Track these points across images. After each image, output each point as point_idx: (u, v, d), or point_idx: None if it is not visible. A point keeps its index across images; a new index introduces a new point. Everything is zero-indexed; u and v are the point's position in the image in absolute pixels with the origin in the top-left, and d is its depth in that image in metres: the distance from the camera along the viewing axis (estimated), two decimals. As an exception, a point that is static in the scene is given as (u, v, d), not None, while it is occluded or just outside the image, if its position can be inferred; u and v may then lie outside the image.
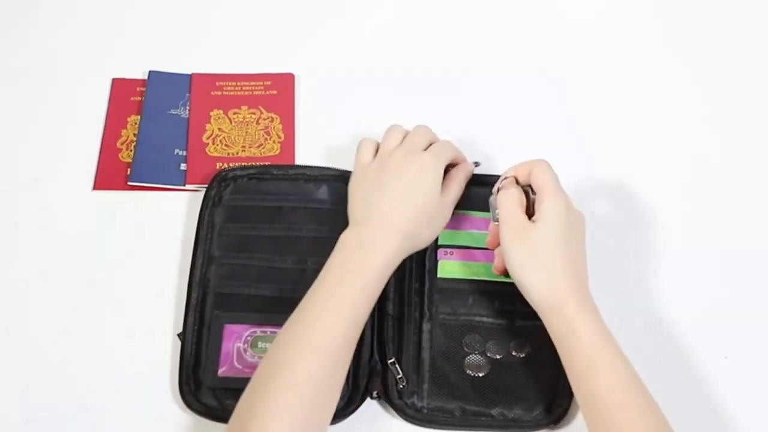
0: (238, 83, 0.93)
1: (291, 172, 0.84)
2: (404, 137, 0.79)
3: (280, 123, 0.91)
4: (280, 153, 0.89)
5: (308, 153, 0.89)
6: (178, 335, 0.76)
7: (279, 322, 0.69)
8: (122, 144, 0.89)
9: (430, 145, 0.78)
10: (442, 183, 0.77)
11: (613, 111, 0.93)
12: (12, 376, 0.75)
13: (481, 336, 0.76)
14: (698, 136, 0.92)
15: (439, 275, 0.79)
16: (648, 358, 0.76)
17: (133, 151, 0.88)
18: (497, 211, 0.73)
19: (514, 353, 0.75)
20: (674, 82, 0.96)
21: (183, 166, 0.87)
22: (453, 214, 0.81)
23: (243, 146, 0.89)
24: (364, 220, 0.73)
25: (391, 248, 0.71)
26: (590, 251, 0.76)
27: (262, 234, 0.81)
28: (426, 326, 0.77)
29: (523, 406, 0.73)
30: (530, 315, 0.71)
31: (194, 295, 0.77)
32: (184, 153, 0.88)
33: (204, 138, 0.89)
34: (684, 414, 0.74)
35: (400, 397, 0.73)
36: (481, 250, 0.79)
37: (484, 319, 0.77)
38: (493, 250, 0.76)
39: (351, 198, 0.76)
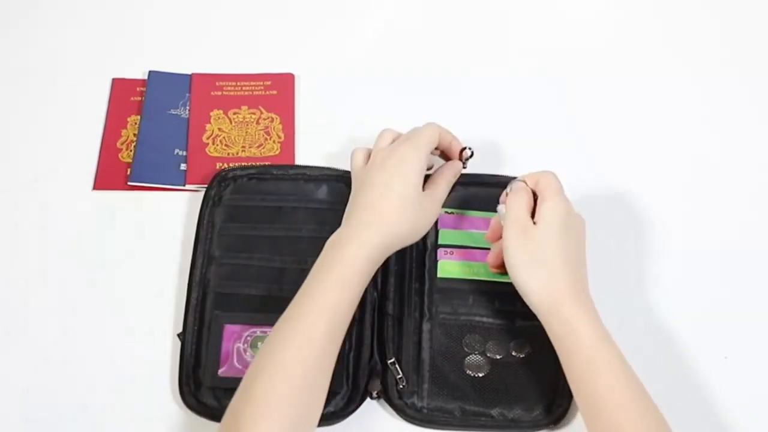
0: (238, 83, 0.93)
1: (291, 172, 0.84)
2: (395, 139, 0.79)
3: (280, 123, 0.91)
4: (280, 153, 0.89)
5: (308, 153, 0.89)
6: (178, 335, 0.76)
7: (279, 323, 0.69)
8: (122, 144, 0.89)
9: None
10: (431, 179, 0.77)
11: (613, 111, 0.93)
12: (12, 376, 0.75)
13: (481, 336, 0.76)
14: (698, 136, 0.92)
15: (439, 275, 0.79)
16: (648, 358, 0.77)
17: (133, 151, 0.88)
18: (503, 210, 0.73)
19: (514, 353, 0.75)
20: (674, 82, 0.96)
21: (183, 166, 0.87)
22: (453, 214, 0.81)
23: (243, 146, 0.89)
24: (346, 219, 0.73)
25: (369, 243, 0.70)
26: (590, 251, 0.76)
27: (262, 234, 0.81)
28: (426, 326, 0.77)
29: (523, 406, 0.73)
30: (530, 315, 0.71)
31: (194, 295, 0.77)
32: (184, 153, 0.88)
33: (204, 138, 0.89)
34: (684, 414, 0.74)
35: (400, 397, 0.73)
36: (481, 250, 0.79)
37: (484, 319, 0.77)
38: (491, 242, 0.77)
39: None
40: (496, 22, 1.01)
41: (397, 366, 0.74)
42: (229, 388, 0.72)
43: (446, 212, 0.81)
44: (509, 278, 0.71)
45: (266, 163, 0.87)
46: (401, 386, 0.73)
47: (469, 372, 0.74)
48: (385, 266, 0.77)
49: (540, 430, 0.73)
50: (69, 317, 0.78)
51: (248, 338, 0.75)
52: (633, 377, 0.66)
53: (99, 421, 0.73)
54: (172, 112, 0.91)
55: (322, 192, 0.83)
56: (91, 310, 0.79)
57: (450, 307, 0.77)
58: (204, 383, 0.73)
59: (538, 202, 0.72)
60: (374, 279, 0.77)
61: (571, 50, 0.98)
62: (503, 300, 0.76)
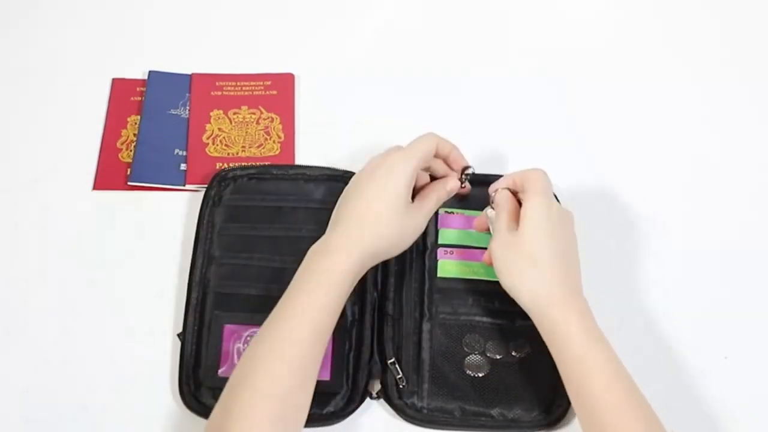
0: (238, 83, 0.93)
1: (291, 172, 0.84)
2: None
3: (280, 123, 0.91)
4: (280, 153, 0.89)
5: (308, 153, 0.89)
6: (178, 335, 0.76)
7: (279, 323, 0.69)
8: (122, 144, 0.89)
9: None
10: (422, 192, 0.76)
11: (613, 111, 0.93)
12: (12, 376, 0.75)
13: (481, 336, 0.76)
14: (698, 136, 0.92)
15: (439, 275, 0.79)
16: (648, 358, 0.77)
17: (133, 151, 0.88)
18: (492, 215, 0.75)
19: (513, 353, 0.75)
20: (674, 82, 0.96)
21: (183, 166, 0.87)
22: (453, 213, 0.81)
23: (243, 146, 0.89)
24: (332, 228, 0.73)
25: (353, 255, 0.69)
26: (590, 251, 0.76)
27: (262, 234, 0.81)
28: (426, 326, 0.77)
29: (523, 406, 0.73)
30: (530, 315, 0.71)
31: (194, 295, 0.77)
32: (184, 153, 0.88)
33: (204, 138, 0.89)
34: (684, 414, 0.74)
35: (400, 397, 0.73)
36: (480, 250, 0.78)
37: (484, 319, 0.77)
38: (480, 231, 0.78)
39: None
40: (496, 22, 1.01)
41: (397, 366, 0.74)
42: (229, 388, 0.72)
43: (446, 212, 0.82)
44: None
45: (266, 163, 0.87)
46: (401, 386, 0.73)
47: (469, 372, 0.74)
48: (385, 266, 0.77)
49: (540, 430, 0.73)
50: (69, 317, 0.78)
51: (248, 338, 0.75)
52: (625, 377, 0.66)
53: (99, 421, 0.73)
54: (172, 112, 0.91)
55: (322, 192, 0.83)
56: (91, 310, 0.79)
57: (450, 307, 0.77)
58: (204, 383, 0.73)
59: (523, 201, 0.72)
60: (374, 279, 0.77)
61: (571, 50, 0.98)
62: (503, 300, 0.76)
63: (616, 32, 1.01)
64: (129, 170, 0.86)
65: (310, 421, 0.68)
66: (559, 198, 0.80)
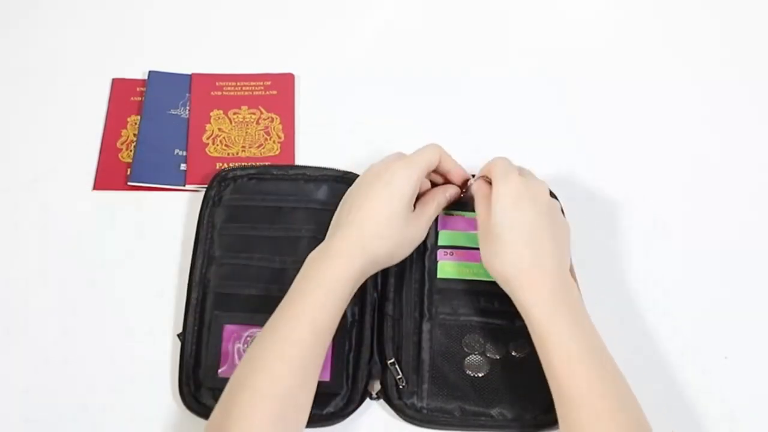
0: (238, 83, 0.93)
1: (291, 172, 0.84)
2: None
3: (280, 123, 0.91)
4: (280, 153, 0.89)
5: (308, 153, 0.89)
6: (178, 335, 0.76)
7: (279, 323, 0.69)
8: (122, 144, 0.89)
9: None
10: (423, 199, 0.76)
11: (613, 111, 0.93)
12: (12, 376, 0.75)
13: (481, 336, 0.76)
14: (698, 136, 0.92)
15: (438, 276, 0.79)
16: (648, 358, 0.77)
17: (133, 151, 0.88)
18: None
19: (513, 353, 0.75)
20: (674, 82, 0.96)
21: (183, 166, 0.87)
22: (452, 215, 0.81)
23: (243, 146, 0.89)
24: (332, 234, 0.73)
25: (350, 261, 0.69)
26: (590, 251, 0.76)
27: (262, 234, 0.81)
28: (426, 326, 0.77)
29: (523, 406, 0.73)
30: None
31: (194, 295, 0.77)
32: (184, 153, 0.88)
33: (204, 138, 0.89)
34: (684, 414, 0.74)
35: (400, 398, 0.73)
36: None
37: (484, 319, 0.77)
38: None
39: None
40: (496, 22, 1.01)
41: (396, 366, 0.74)
42: (228, 388, 0.72)
43: (446, 214, 0.81)
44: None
45: (266, 163, 0.87)
46: (401, 386, 0.73)
47: (468, 372, 0.74)
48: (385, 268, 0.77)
49: (539, 430, 0.73)
50: (69, 317, 0.78)
51: (248, 338, 0.75)
52: (593, 345, 0.66)
53: (99, 421, 0.73)
54: (172, 112, 0.91)
55: (322, 192, 0.83)
56: (91, 310, 0.79)
57: (450, 307, 0.77)
58: (204, 383, 0.73)
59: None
60: (374, 280, 0.77)
61: (571, 50, 0.98)
62: (503, 300, 0.76)
63: (616, 32, 1.01)
64: (129, 170, 0.86)
65: (310, 422, 0.68)
66: (558, 198, 0.80)
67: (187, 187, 0.86)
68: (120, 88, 0.93)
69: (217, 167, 0.87)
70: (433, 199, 0.77)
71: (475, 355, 0.75)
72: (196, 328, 0.76)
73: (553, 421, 0.72)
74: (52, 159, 0.88)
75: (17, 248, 0.82)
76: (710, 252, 0.84)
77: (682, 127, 0.92)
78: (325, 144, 0.89)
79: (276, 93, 0.93)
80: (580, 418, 0.63)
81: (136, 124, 0.90)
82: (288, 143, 0.89)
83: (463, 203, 0.81)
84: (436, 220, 0.81)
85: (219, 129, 0.90)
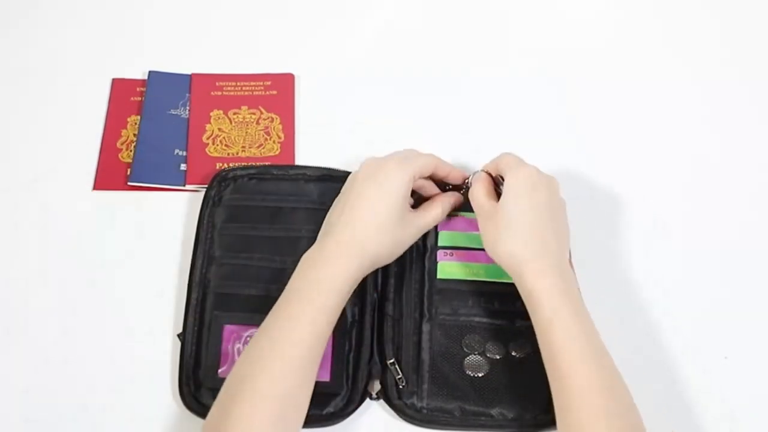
0: (238, 83, 0.93)
1: (291, 172, 0.84)
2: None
3: (280, 123, 0.91)
4: (280, 153, 0.89)
5: (308, 153, 0.89)
6: (178, 335, 0.76)
7: (279, 323, 0.69)
8: (122, 144, 0.89)
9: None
10: (429, 201, 0.77)
11: (613, 111, 0.93)
12: (12, 376, 0.75)
13: (481, 336, 0.76)
14: (698, 136, 0.92)
15: (438, 276, 0.79)
16: (648, 358, 0.77)
17: (133, 151, 0.88)
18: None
19: (513, 353, 0.75)
20: (674, 82, 0.96)
21: (183, 166, 0.87)
22: (452, 216, 0.81)
23: (243, 146, 0.89)
24: (327, 234, 0.73)
25: (348, 261, 0.70)
26: (590, 251, 0.76)
27: (262, 234, 0.81)
28: (426, 327, 0.77)
29: (523, 406, 0.73)
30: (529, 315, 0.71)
31: (194, 295, 0.77)
32: (184, 153, 0.88)
33: (204, 138, 0.89)
34: (684, 414, 0.74)
35: (400, 398, 0.73)
36: (480, 251, 0.78)
37: (484, 319, 0.77)
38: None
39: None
40: (496, 22, 1.01)
41: (396, 366, 0.74)
42: (228, 388, 0.72)
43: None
44: (509, 278, 0.71)
45: (266, 163, 0.87)
46: (401, 386, 0.73)
47: (468, 372, 0.74)
48: (385, 268, 0.77)
49: (540, 430, 0.73)
50: (69, 317, 0.78)
51: (248, 339, 0.75)
52: (594, 341, 0.66)
53: (99, 421, 0.73)
54: (172, 112, 0.91)
55: (323, 192, 0.83)
56: (91, 310, 0.79)
57: (450, 307, 0.77)
58: (204, 384, 0.73)
59: (505, 180, 0.73)
60: (374, 280, 0.77)
61: (571, 50, 0.98)
62: (503, 300, 0.76)
63: (616, 32, 1.01)
64: (129, 170, 0.86)
65: (310, 422, 0.68)
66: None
67: (187, 187, 0.86)
68: (120, 88, 0.93)
69: (217, 167, 0.87)
70: (440, 202, 0.78)
71: (475, 355, 0.75)
72: (196, 328, 0.76)
73: (553, 421, 0.72)
74: (52, 159, 0.88)
75: (17, 248, 0.82)
76: (710, 252, 0.84)
77: (682, 127, 0.92)
78: (325, 144, 0.89)
79: (276, 93, 0.93)
80: (579, 409, 0.64)
81: (136, 124, 0.90)
82: (288, 143, 0.89)
83: (464, 204, 0.81)
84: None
85: (219, 129, 0.90)
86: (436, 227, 0.80)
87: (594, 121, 0.93)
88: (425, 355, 0.75)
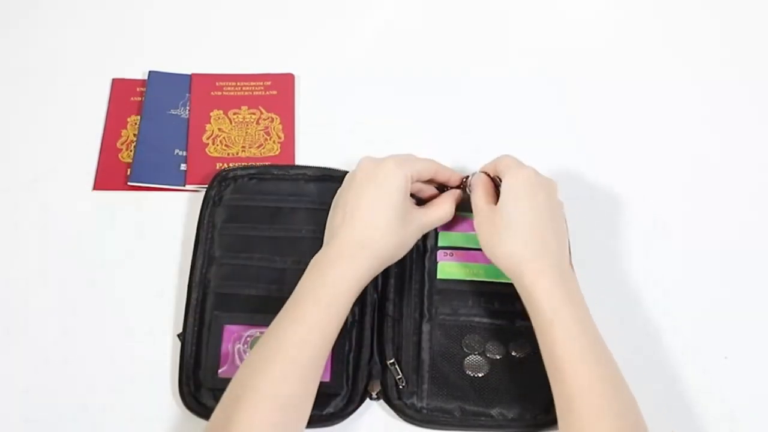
0: (238, 83, 0.93)
1: (291, 172, 0.84)
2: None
3: (280, 123, 0.91)
4: (280, 153, 0.89)
5: (308, 153, 0.89)
6: (178, 336, 0.76)
7: (279, 323, 0.69)
8: (122, 144, 0.89)
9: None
10: (436, 199, 0.78)
11: (613, 111, 0.93)
12: (12, 376, 0.75)
13: (481, 336, 0.76)
14: (698, 136, 0.92)
15: (438, 276, 0.79)
16: (648, 358, 0.77)
17: (133, 151, 0.88)
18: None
19: (513, 354, 0.75)
20: (674, 82, 0.96)
21: (183, 167, 0.87)
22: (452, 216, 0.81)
23: (243, 146, 0.89)
24: (332, 237, 0.73)
25: (354, 262, 0.70)
26: (590, 251, 0.76)
27: (262, 234, 0.81)
28: (426, 327, 0.77)
29: (523, 406, 0.73)
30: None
31: (194, 295, 0.77)
32: (184, 153, 0.88)
33: (204, 138, 0.89)
34: (684, 414, 0.74)
35: (400, 398, 0.73)
36: (480, 251, 0.78)
37: (484, 319, 0.77)
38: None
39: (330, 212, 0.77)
40: (496, 22, 1.01)
41: (396, 366, 0.74)
42: (228, 388, 0.72)
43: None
44: (508, 278, 0.71)
45: (266, 163, 0.87)
46: (401, 387, 0.73)
47: (468, 372, 0.74)
48: (385, 268, 0.77)
49: (540, 430, 0.73)
50: (69, 317, 0.78)
51: (248, 339, 0.75)
52: (595, 341, 0.66)
53: (99, 421, 0.73)
54: (172, 112, 0.91)
55: (323, 192, 0.83)
56: (91, 310, 0.79)
57: (450, 308, 0.77)
58: (204, 384, 0.73)
59: (502, 181, 0.73)
60: (375, 281, 0.77)
61: (571, 50, 0.98)
62: (503, 300, 0.76)
63: (616, 32, 1.01)
64: (129, 170, 0.86)
65: (310, 422, 0.68)
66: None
67: (187, 187, 0.86)
68: (120, 88, 0.93)
69: (217, 167, 0.87)
70: (443, 200, 0.78)
71: (475, 355, 0.75)
72: (196, 328, 0.76)
73: (553, 421, 0.72)
74: (52, 159, 0.88)
75: (17, 248, 0.82)
76: (710, 252, 0.84)
77: (682, 127, 0.92)
78: (325, 144, 0.89)
79: (276, 93, 0.93)
80: (580, 403, 0.64)
81: (136, 124, 0.90)
82: (288, 143, 0.89)
83: (463, 204, 0.81)
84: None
85: (219, 129, 0.90)
86: (436, 228, 0.80)
87: (594, 121, 0.93)
88: (425, 355, 0.75)
